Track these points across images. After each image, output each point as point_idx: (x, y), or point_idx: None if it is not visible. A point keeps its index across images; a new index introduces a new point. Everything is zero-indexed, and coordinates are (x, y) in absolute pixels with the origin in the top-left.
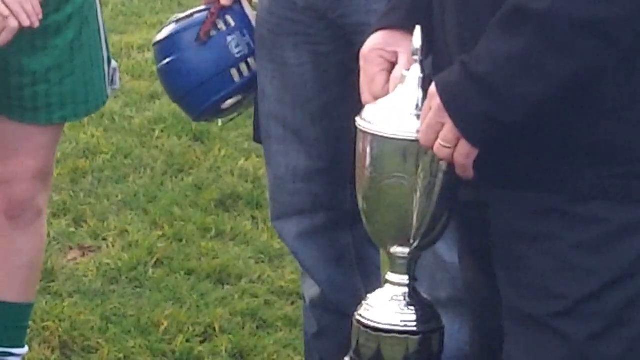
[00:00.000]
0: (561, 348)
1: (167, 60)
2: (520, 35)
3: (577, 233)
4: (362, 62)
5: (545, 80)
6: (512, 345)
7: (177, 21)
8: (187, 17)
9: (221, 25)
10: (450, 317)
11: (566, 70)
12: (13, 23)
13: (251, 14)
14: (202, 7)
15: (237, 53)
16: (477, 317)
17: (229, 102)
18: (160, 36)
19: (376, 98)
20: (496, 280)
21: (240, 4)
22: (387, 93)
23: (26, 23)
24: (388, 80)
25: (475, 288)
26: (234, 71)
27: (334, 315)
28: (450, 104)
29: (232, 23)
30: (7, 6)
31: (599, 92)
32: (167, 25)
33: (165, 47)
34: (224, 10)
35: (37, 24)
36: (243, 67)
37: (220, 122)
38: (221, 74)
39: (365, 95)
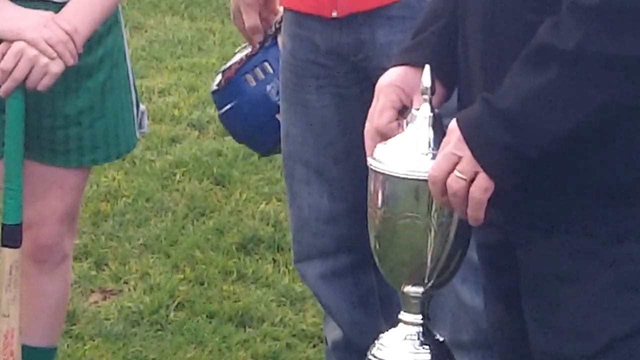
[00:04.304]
0: None
1: (218, 112)
2: (545, 72)
3: (610, 273)
4: (376, 92)
5: (569, 116)
6: None
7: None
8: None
9: (260, 74)
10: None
11: (591, 106)
12: (55, 68)
13: None
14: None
15: (278, 100)
16: None
17: None
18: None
19: (378, 131)
20: (524, 322)
21: (278, 46)
22: (391, 130)
23: (70, 63)
24: (395, 119)
25: (503, 330)
26: (279, 116)
27: (357, 358)
28: (471, 135)
29: (271, 70)
30: (53, 48)
31: (631, 131)
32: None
33: (214, 100)
34: (262, 55)
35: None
36: None
37: None
38: (269, 122)
39: (367, 125)
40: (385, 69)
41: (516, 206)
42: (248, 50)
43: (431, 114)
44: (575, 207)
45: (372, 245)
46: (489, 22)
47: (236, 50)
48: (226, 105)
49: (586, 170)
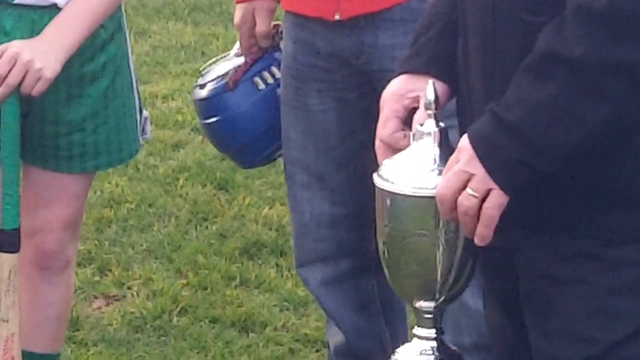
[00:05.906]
0: None
1: (212, 119)
2: (551, 82)
3: (608, 277)
4: (381, 105)
5: (579, 127)
6: None
7: (216, 77)
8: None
9: (268, 78)
10: None
11: (600, 116)
12: (48, 73)
13: None
14: (236, 52)
15: None
16: None
17: (280, 151)
18: (202, 94)
19: (383, 142)
20: (524, 325)
21: (281, 50)
22: (395, 140)
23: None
24: (399, 129)
25: (502, 333)
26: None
27: None
28: (484, 153)
29: (278, 74)
30: (39, 59)
31: (631, 137)
32: (206, 74)
33: (209, 106)
34: (267, 60)
35: None
36: None
37: None
38: (272, 128)
39: (377, 141)
40: (387, 71)
41: (514, 210)
42: (233, 59)
43: (436, 129)
44: (573, 210)
45: (382, 261)
46: (488, 23)
47: (210, 61)
48: (228, 109)
49: (585, 175)
